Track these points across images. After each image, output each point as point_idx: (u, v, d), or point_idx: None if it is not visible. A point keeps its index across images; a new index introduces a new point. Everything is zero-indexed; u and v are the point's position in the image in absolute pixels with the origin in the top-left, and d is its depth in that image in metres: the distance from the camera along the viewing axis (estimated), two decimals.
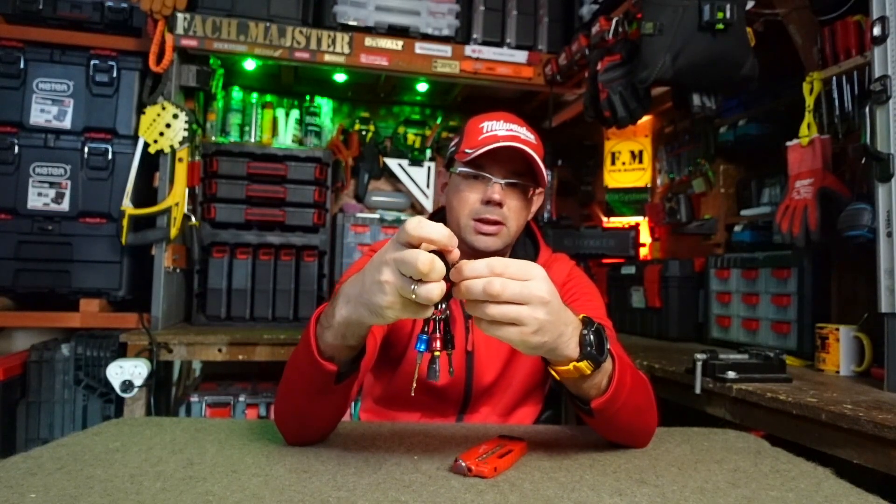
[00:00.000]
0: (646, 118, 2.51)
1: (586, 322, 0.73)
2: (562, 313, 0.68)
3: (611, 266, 2.60)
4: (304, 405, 0.80)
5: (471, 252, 1.08)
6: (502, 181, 1.05)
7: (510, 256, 1.15)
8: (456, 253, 0.63)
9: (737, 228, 2.12)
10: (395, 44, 2.33)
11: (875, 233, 1.26)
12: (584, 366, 0.71)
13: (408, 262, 0.58)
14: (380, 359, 1.09)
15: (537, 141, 1.08)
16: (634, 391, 0.82)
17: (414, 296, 0.59)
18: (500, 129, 1.05)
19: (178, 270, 2.24)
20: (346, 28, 2.31)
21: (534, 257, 1.18)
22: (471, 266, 0.63)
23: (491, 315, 0.63)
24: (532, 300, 0.63)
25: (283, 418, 0.84)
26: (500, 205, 1.05)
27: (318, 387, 0.76)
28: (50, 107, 2.10)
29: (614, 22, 1.94)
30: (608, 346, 0.75)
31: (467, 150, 1.05)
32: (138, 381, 1.82)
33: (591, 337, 0.72)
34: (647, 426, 0.88)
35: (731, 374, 1.30)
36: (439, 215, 1.19)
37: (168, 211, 2.09)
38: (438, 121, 3.03)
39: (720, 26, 1.58)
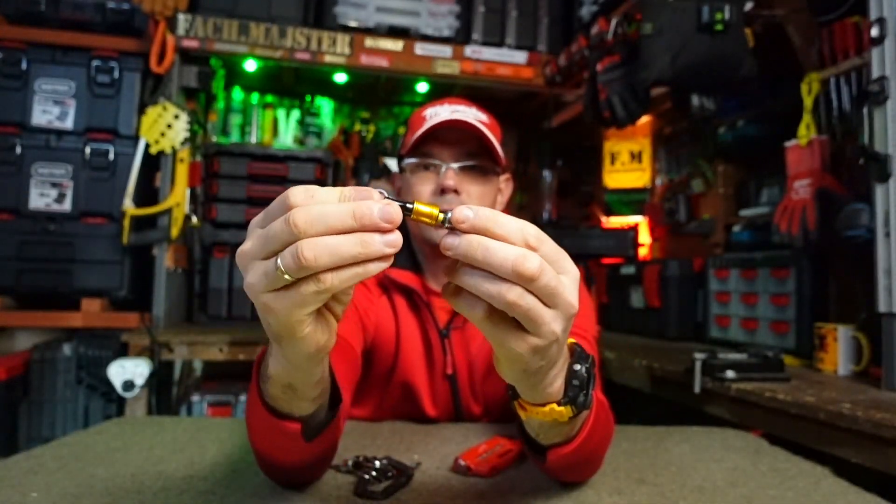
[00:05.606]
0: (645, 119, 2.52)
1: (578, 354, 0.53)
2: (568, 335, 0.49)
3: (610, 266, 2.60)
4: (279, 463, 0.63)
5: (435, 252, 0.95)
6: (454, 165, 0.94)
7: None
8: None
9: (736, 228, 2.12)
10: (396, 45, 2.33)
11: (873, 233, 1.27)
12: (564, 411, 0.52)
13: (269, 216, 0.41)
14: (362, 378, 0.92)
15: (491, 121, 0.99)
16: (603, 438, 0.66)
17: (281, 269, 0.39)
18: (445, 112, 0.94)
19: (179, 270, 2.24)
20: (346, 29, 2.32)
21: None
22: (503, 222, 0.41)
23: (507, 301, 0.41)
24: (560, 304, 0.43)
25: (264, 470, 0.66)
26: (456, 192, 0.92)
27: (286, 447, 0.60)
28: (52, 107, 2.10)
29: (614, 23, 1.94)
30: (593, 389, 0.55)
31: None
32: (139, 381, 1.83)
33: (584, 375, 0.52)
34: (596, 468, 0.72)
35: (730, 374, 1.30)
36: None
37: (169, 211, 2.10)
38: None
39: (719, 27, 1.59)
